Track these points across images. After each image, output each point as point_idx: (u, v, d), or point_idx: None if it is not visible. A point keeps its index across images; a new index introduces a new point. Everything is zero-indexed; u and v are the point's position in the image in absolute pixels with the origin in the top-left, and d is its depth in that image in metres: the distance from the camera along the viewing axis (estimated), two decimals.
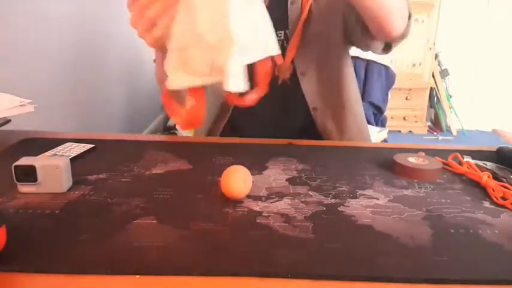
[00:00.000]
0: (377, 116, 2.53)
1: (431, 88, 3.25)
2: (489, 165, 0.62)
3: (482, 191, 0.56)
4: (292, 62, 0.85)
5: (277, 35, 0.85)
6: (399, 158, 0.63)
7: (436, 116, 3.40)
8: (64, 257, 0.39)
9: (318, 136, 0.90)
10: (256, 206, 0.50)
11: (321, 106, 0.89)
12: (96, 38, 1.68)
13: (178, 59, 0.50)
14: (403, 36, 0.75)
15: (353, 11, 0.81)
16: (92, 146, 0.69)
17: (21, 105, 0.74)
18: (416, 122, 3.27)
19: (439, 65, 3.30)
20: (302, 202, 0.51)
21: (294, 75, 0.87)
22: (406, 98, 3.22)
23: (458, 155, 0.65)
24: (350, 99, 0.92)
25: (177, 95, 0.53)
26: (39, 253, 0.39)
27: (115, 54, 1.99)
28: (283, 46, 0.86)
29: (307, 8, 0.83)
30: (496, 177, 0.58)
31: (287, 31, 0.86)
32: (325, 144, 0.78)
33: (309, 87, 0.88)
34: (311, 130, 0.90)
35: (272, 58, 0.56)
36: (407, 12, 0.74)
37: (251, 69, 0.51)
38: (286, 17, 0.85)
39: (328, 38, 0.87)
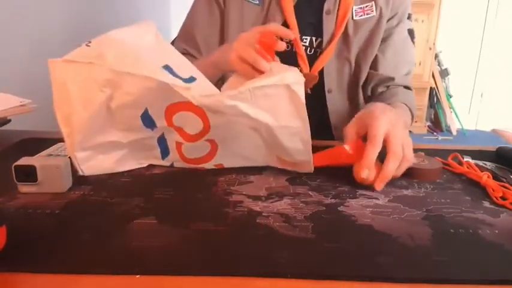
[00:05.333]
0: None
1: (431, 88, 3.25)
2: (489, 165, 0.62)
3: (482, 191, 0.56)
4: (319, 74, 0.84)
5: (311, 40, 0.84)
6: None
7: (436, 116, 3.40)
8: (64, 257, 0.39)
9: None
10: (256, 206, 0.50)
11: (343, 125, 0.89)
12: None
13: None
14: None
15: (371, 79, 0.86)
16: None
17: (21, 105, 0.74)
18: (416, 122, 3.26)
19: (439, 65, 3.30)
20: (302, 202, 0.51)
21: (321, 90, 0.86)
22: None
23: (458, 155, 0.65)
24: None
25: None
26: (39, 253, 0.39)
27: None
28: (314, 54, 0.84)
29: (344, 23, 0.81)
30: (496, 177, 0.58)
31: (320, 39, 0.84)
32: (325, 144, 0.78)
33: (333, 105, 0.88)
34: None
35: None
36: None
37: None
38: (321, 25, 0.83)
39: (361, 62, 0.85)
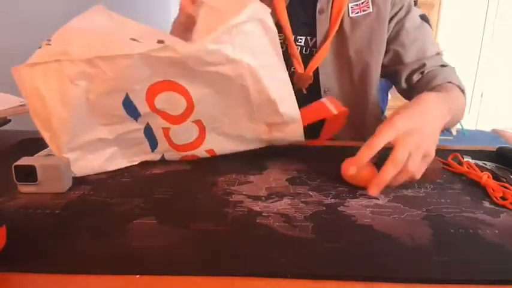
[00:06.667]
0: None
1: None
2: (489, 165, 0.62)
3: (482, 191, 0.56)
4: (314, 74, 0.83)
5: (306, 39, 0.84)
6: None
7: None
8: (64, 257, 0.39)
9: None
10: (256, 206, 0.50)
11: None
12: None
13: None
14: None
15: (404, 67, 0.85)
16: None
17: (21, 105, 0.74)
18: None
19: None
20: (302, 202, 0.51)
21: (317, 90, 0.85)
22: None
23: (458, 155, 0.65)
24: (371, 120, 0.91)
25: None
26: (39, 253, 0.39)
27: None
28: (310, 53, 0.84)
29: (338, 22, 0.81)
30: (496, 177, 0.58)
31: (315, 39, 0.83)
32: (326, 144, 0.78)
33: None
34: None
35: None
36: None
37: None
38: (314, 24, 0.82)
39: (368, 59, 0.84)
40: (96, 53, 0.50)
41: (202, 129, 0.60)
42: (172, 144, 0.61)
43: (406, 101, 0.67)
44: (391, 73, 0.88)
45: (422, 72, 0.83)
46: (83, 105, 0.53)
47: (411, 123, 0.54)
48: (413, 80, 0.84)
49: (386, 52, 0.86)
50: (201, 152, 0.61)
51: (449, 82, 0.78)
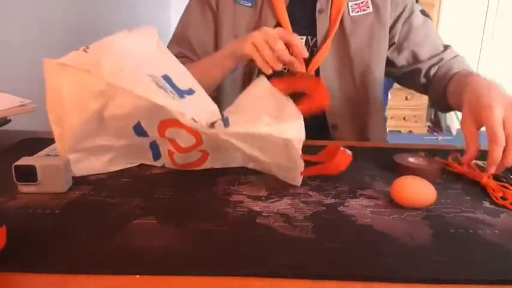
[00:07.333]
0: None
1: None
2: None
3: (482, 191, 0.56)
4: (315, 74, 0.83)
5: (306, 39, 0.85)
6: (399, 158, 0.63)
7: (436, 116, 3.39)
8: (64, 257, 0.39)
9: None
10: (256, 206, 0.50)
11: (342, 125, 0.89)
12: (96, 39, 1.67)
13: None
14: None
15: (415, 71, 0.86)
16: None
17: (21, 105, 0.74)
18: (416, 122, 3.26)
19: None
20: (302, 202, 0.51)
21: None
22: (406, 98, 3.22)
23: (458, 155, 0.65)
24: (375, 120, 0.91)
25: None
26: (39, 253, 0.39)
27: None
28: (311, 53, 0.84)
29: (338, 21, 0.81)
30: (496, 177, 0.58)
31: (316, 38, 0.84)
32: (321, 144, 0.78)
33: (331, 105, 0.87)
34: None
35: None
36: None
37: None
38: (314, 24, 0.83)
39: (360, 59, 0.85)
40: (121, 82, 0.51)
41: (205, 154, 0.60)
42: (174, 163, 0.61)
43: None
44: (409, 72, 0.89)
45: (438, 65, 0.85)
46: (96, 118, 0.54)
47: (500, 96, 0.54)
48: (431, 74, 0.85)
49: (400, 52, 0.87)
50: (200, 168, 0.62)
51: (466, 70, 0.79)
